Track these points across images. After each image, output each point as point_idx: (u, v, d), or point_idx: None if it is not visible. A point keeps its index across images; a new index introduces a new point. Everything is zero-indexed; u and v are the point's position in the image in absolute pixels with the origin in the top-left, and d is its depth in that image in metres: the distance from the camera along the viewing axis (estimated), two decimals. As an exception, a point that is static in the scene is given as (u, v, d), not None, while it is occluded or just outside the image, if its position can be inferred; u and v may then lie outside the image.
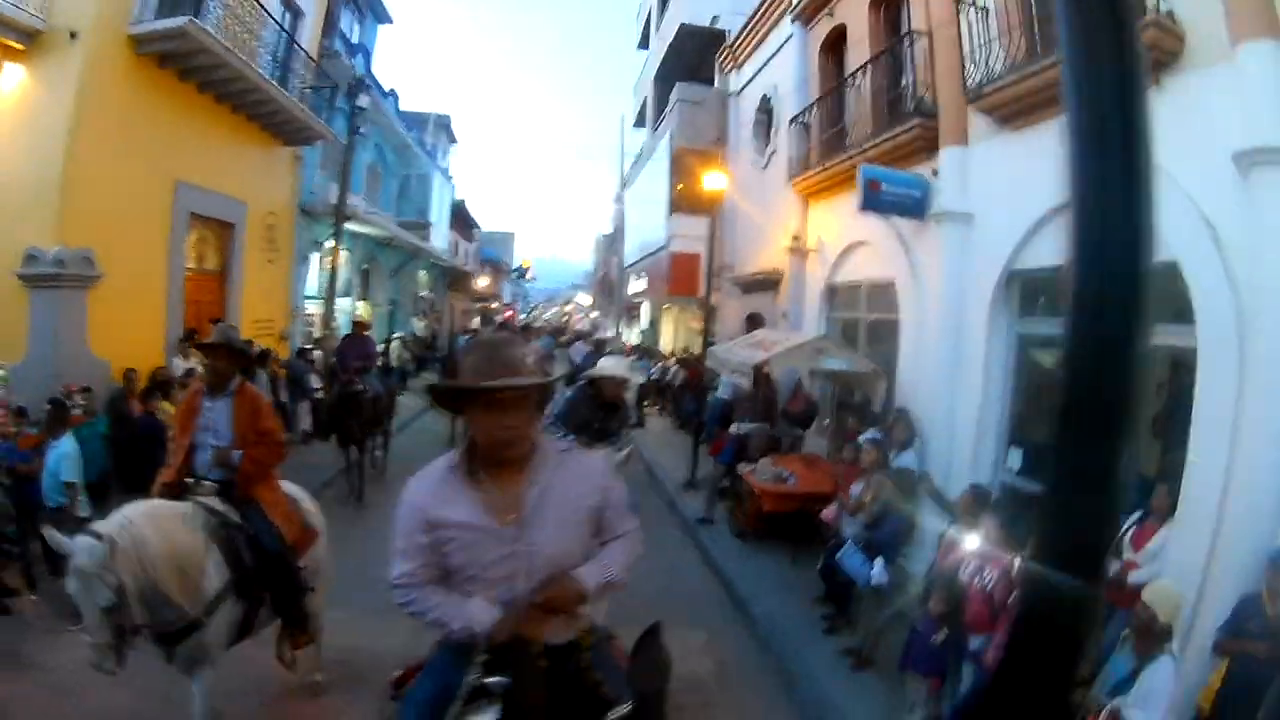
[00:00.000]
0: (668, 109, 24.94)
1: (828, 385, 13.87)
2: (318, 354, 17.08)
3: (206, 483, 5.43)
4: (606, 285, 50.22)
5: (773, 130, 17.93)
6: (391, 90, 27.71)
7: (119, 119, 11.92)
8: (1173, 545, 6.24)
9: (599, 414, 7.66)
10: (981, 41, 9.26)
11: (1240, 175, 6.03)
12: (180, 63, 12.81)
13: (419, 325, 32.88)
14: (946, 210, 10.08)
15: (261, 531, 5.43)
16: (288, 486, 6.13)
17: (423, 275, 34.05)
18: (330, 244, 19.18)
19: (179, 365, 12.44)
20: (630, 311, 39.00)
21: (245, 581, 5.16)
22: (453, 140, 39.94)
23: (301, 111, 16.12)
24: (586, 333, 40.83)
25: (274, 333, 17.20)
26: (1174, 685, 4.73)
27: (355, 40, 24.18)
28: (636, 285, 32.75)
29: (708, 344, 16.95)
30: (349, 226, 19.59)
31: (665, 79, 26.96)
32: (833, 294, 14.38)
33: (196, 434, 5.54)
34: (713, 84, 23.25)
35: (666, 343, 29.57)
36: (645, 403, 18.18)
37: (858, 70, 12.98)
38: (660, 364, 24.65)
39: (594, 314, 60.54)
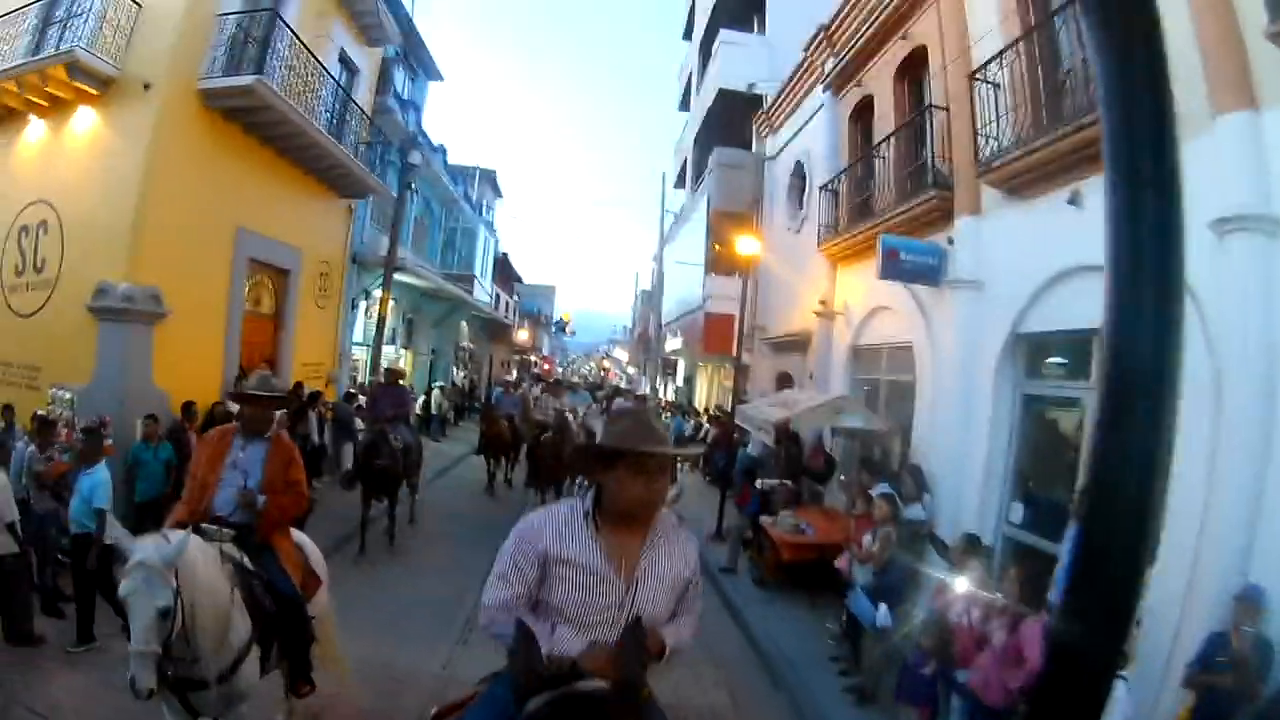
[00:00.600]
0: (706, 171, 25.48)
1: (849, 442, 14.34)
2: (363, 399, 17.54)
3: (225, 528, 5.29)
4: (644, 341, 50.66)
5: (805, 195, 18.49)
6: (440, 145, 28.58)
7: (187, 166, 12.69)
8: (1153, 586, 6.67)
9: None
10: (992, 117, 9.83)
11: (1217, 241, 6.45)
12: (246, 117, 13.59)
13: (459, 375, 33.50)
14: (960, 277, 10.62)
15: (277, 578, 5.44)
16: (295, 534, 6.17)
17: (465, 326, 34.72)
18: (378, 293, 19.94)
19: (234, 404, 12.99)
20: (667, 368, 39.45)
21: (265, 629, 5.15)
22: (498, 194, 40.85)
23: (357, 166, 16.87)
24: (627, 390, 41.14)
25: (321, 376, 17.83)
26: (1126, 704, 5.19)
27: (406, 96, 25.02)
28: (673, 343, 33.19)
29: (737, 402, 17.44)
30: (396, 276, 20.31)
31: (705, 140, 27.55)
32: (857, 355, 14.87)
33: (224, 473, 5.51)
34: (750, 147, 23.77)
35: (701, 399, 30.01)
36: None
37: (883, 141, 13.61)
38: (694, 421, 25.10)
39: (630, 369, 60.85)
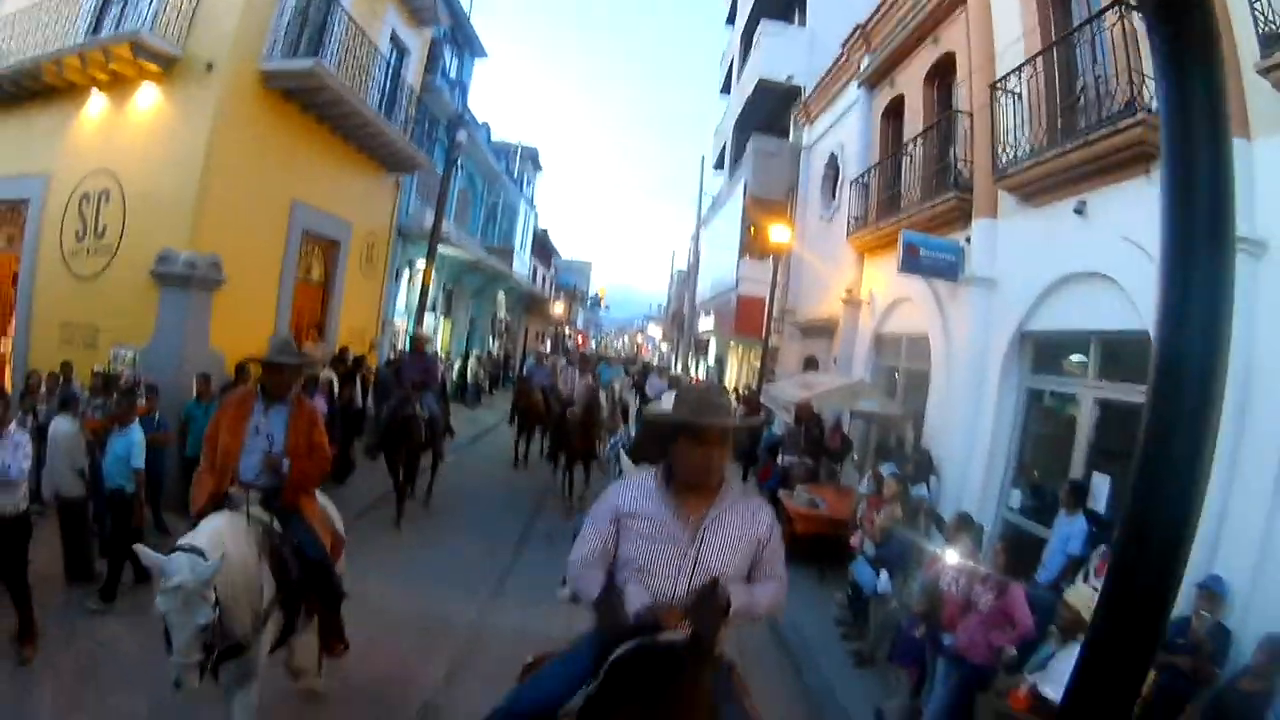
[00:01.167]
0: (744, 157, 25.90)
1: (867, 425, 14.94)
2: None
3: (252, 491, 5.33)
4: (679, 320, 51.07)
5: (838, 187, 18.99)
6: (484, 122, 29.18)
7: (247, 142, 13.34)
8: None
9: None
10: (1011, 125, 10.34)
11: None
12: (303, 97, 14.24)
13: (494, 345, 34.18)
14: (975, 275, 11.17)
15: (305, 541, 5.52)
16: (318, 496, 6.24)
17: (502, 298, 35.46)
18: (421, 263, 20.66)
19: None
20: (699, 347, 39.97)
21: (289, 592, 5.23)
22: (538, 170, 41.38)
23: (405, 144, 17.48)
24: (662, 367, 41.64)
25: (366, 342, 18.53)
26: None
27: (453, 75, 25.59)
28: (706, 322, 33.61)
29: (763, 382, 17.98)
30: (439, 249, 20.86)
31: (744, 127, 27.92)
32: (879, 343, 15.46)
33: (247, 439, 5.53)
34: (787, 136, 24.27)
35: (731, 379, 30.51)
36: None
37: (911, 140, 14.15)
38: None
39: (664, 346, 61.25)
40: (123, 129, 13.46)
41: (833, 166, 19.65)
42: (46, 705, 6.05)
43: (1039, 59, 9.96)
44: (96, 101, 13.82)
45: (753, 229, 23.70)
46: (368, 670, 7.14)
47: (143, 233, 12.60)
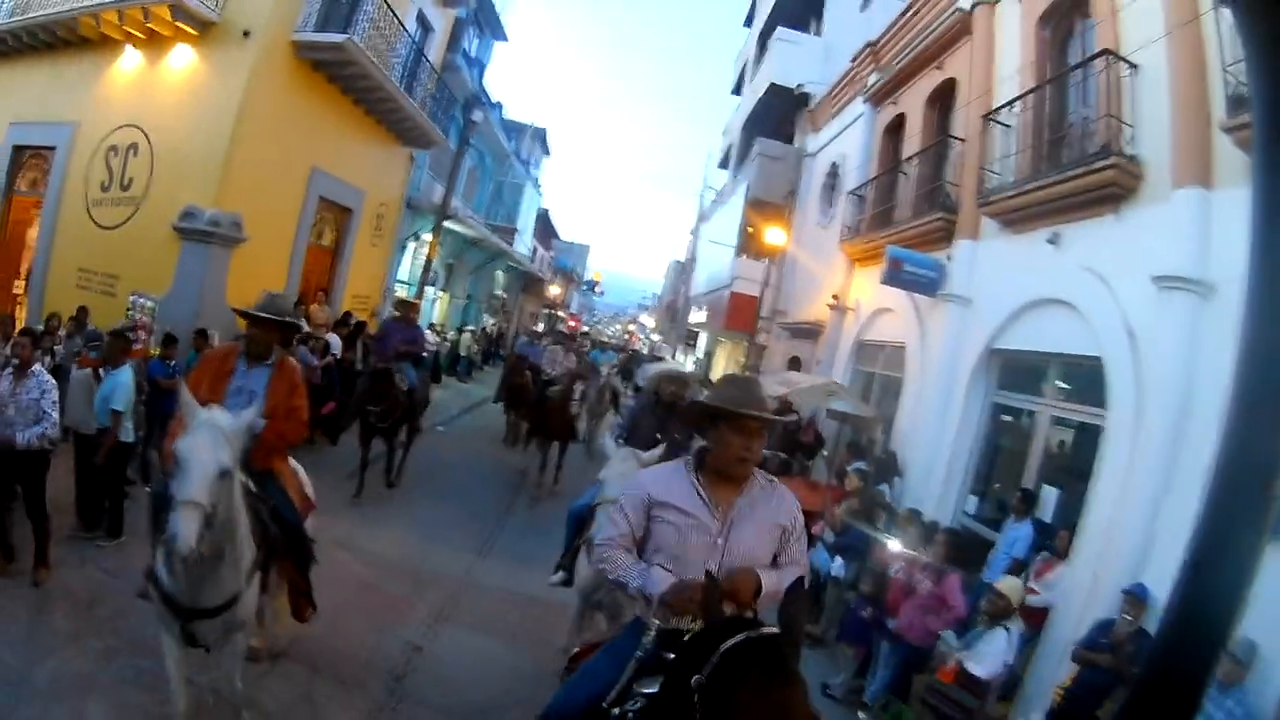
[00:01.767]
0: (750, 158, 26.42)
1: (841, 425, 15.61)
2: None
3: None
4: (672, 310, 51.51)
5: (836, 196, 19.58)
6: (498, 103, 29.72)
7: (276, 109, 13.97)
8: (1065, 578, 7.92)
9: (662, 423, 7.84)
10: (999, 154, 11.01)
11: (1157, 295, 7.64)
12: (332, 69, 14.88)
13: (490, 322, 34.74)
14: (953, 292, 11.84)
15: (281, 503, 5.40)
16: (289, 460, 6.09)
17: (500, 275, 36.02)
18: (426, 236, 21.38)
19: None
20: (689, 339, 40.51)
21: (269, 554, 5.11)
22: (546, 152, 41.88)
23: (424, 120, 18.12)
24: (657, 356, 41.96)
25: (369, 308, 19.15)
26: (1007, 652, 6.51)
27: (473, 55, 26.05)
28: (698, 316, 34.05)
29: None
30: (445, 224, 21.62)
31: (751, 128, 28.39)
32: (860, 349, 16.15)
33: (228, 398, 5.24)
34: (793, 141, 24.73)
35: (718, 373, 31.08)
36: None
37: (908, 158, 14.79)
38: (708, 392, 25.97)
39: (655, 336, 61.61)
40: (155, 86, 14.01)
41: (833, 175, 20.20)
42: (59, 626, 6.29)
43: (1030, 96, 10.62)
44: (130, 57, 14.37)
45: (751, 229, 24.25)
46: (363, 607, 7.71)
47: (169, 188, 13.21)
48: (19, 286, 15.36)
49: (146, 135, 13.71)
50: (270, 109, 13.83)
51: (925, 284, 12.33)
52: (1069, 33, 10.92)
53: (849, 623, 8.50)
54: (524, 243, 37.68)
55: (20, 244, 15.97)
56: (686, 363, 38.48)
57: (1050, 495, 9.32)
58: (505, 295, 38.98)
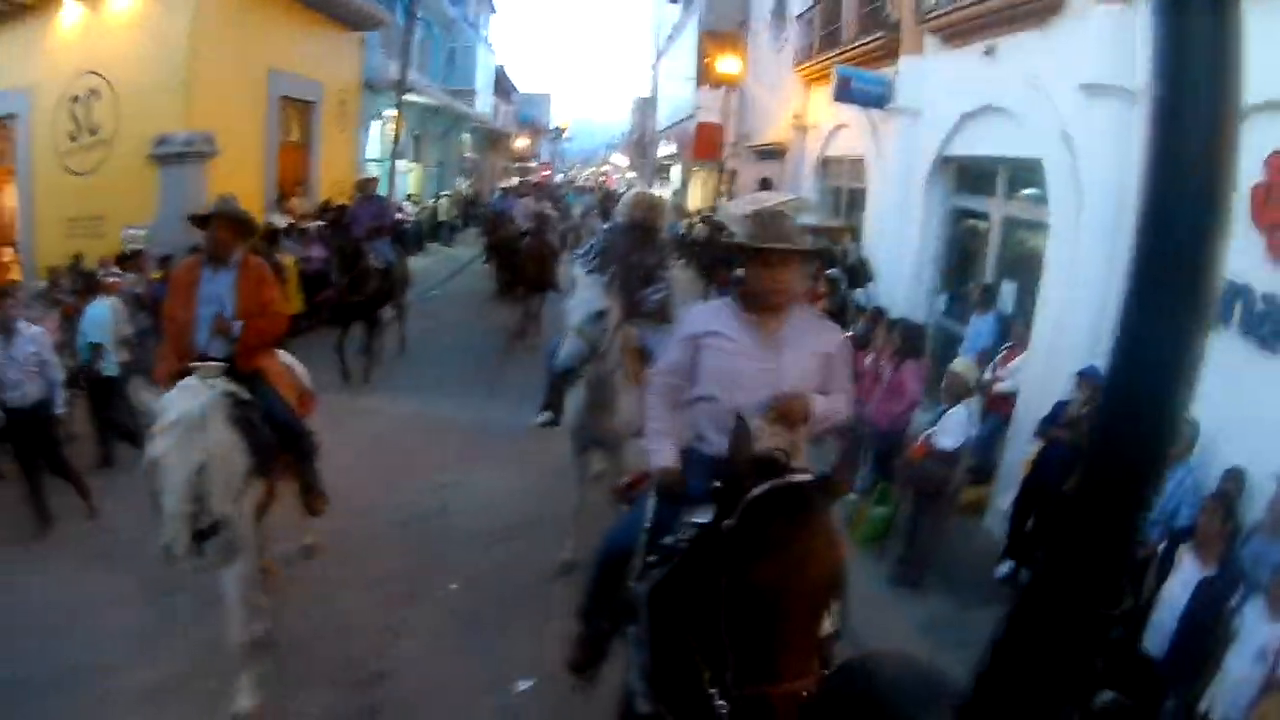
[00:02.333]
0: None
1: (815, 238, 16.27)
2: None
3: (210, 362, 4.94)
4: (641, 146, 51.29)
5: (785, 21, 19.72)
6: (439, -32, 29.27)
7: (227, 22, 14.23)
8: (1026, 365, 8.68)
9: (636, 249, 7.46)
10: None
11: (1085, 101, 8.13)
12: (271, -32, 15.00)
13: (463, 185, 34.95)
14: (901, 106, 12.35)
15: (273, 405, 5.35)
16: (280, 355, 6.10)
17: (466, 138, 35.95)
18: (389, 113, 21.66)
19: (279, 220, 14.90)
20: (661, 173, 40.70)
21: (264, 459, 5.03)
22: (493, 10, 41.31)
23: (367, 3, 18.36)
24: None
25: (346, 192, 19.29)
26: (969, 425, 7.38)
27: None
28: (667, 149, 34.28)
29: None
30: (405, 97, 21.81)
31: (697, -41, 28.06)
32: (825, 165, 16.81)
33: (199, 308, 5.26)
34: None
35: (694, 202, 31.46)
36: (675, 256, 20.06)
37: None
38: (686, 221, 26.25)
39: (629, 174, 61.32)
40: (103, 32, 14.21)
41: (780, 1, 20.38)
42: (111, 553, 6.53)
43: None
44: (72, 11, 14.48)
45: (708, 59, 24.38)
46: (386, 457, 8.58)
47: (137, 124, 13.66)
48: (7, 254, 15.54)
49: (105, 78, 14.04)
50: (221, 23, 14.09)
51: (874, 99, 12.81)
52: None
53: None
54: (485, 102, 37.53)
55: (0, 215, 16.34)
56: (665, 193, 38.67)
57: (1009, 289, 10.04)
58: (475, 156, 38.94)
